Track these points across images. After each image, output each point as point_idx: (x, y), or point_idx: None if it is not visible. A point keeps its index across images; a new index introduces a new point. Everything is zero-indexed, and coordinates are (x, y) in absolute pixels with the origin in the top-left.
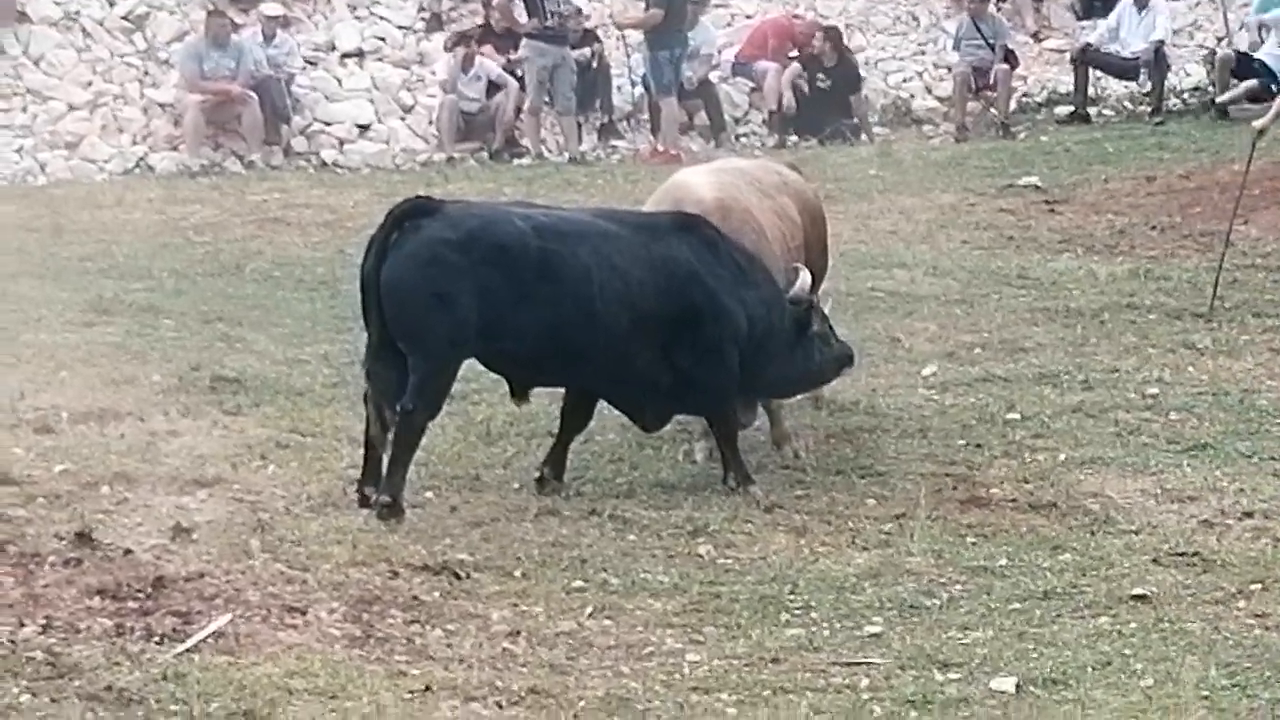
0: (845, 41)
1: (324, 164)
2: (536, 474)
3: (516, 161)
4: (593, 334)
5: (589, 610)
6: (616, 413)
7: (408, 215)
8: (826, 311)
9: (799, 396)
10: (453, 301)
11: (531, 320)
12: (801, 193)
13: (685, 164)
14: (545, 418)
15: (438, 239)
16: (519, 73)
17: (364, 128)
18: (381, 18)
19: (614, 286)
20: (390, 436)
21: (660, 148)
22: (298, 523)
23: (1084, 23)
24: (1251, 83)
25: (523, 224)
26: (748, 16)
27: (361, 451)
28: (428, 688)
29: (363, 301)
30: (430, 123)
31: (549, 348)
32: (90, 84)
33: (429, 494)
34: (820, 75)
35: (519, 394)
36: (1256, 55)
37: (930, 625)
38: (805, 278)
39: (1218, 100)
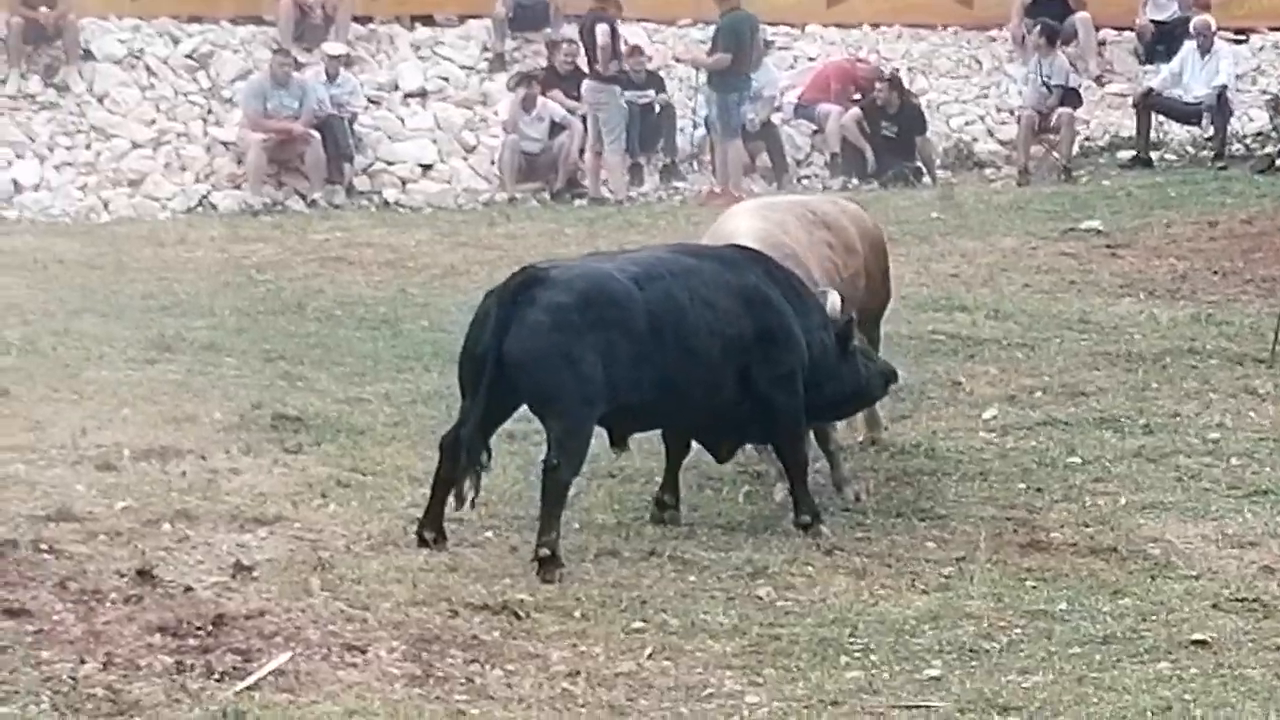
0: (908, 85)
1: (386, 203)
2: (654, 500)
3: (578, 202)
4: (694, 371)
5: (648, 651)
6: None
7: (520, 288)
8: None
9: (853, 435)
10: (581, 362)
11: (648, 369)
12: (860, 220)
13: None
14: (605, 458)
15: (555, 304)
16: (582, 113)
17: (426, 167)
18: (445, 58)
19: (706, 319)
20: (539, 495)
21: (721, 189)
22: (358, 561)
23: (1147, 67)
24: None
25: (622, 276)
26: (810, 59)
27: (423, 491)
28: None
29: (469, 373)
30: (492, 163)
31: (662, 393)
32: (154, 122)
33: (489, 534)
34: (885, 123)
35: (619, 442)
36: None
37: (990, 669)
38: (835, 298)
39: (1278, 163)
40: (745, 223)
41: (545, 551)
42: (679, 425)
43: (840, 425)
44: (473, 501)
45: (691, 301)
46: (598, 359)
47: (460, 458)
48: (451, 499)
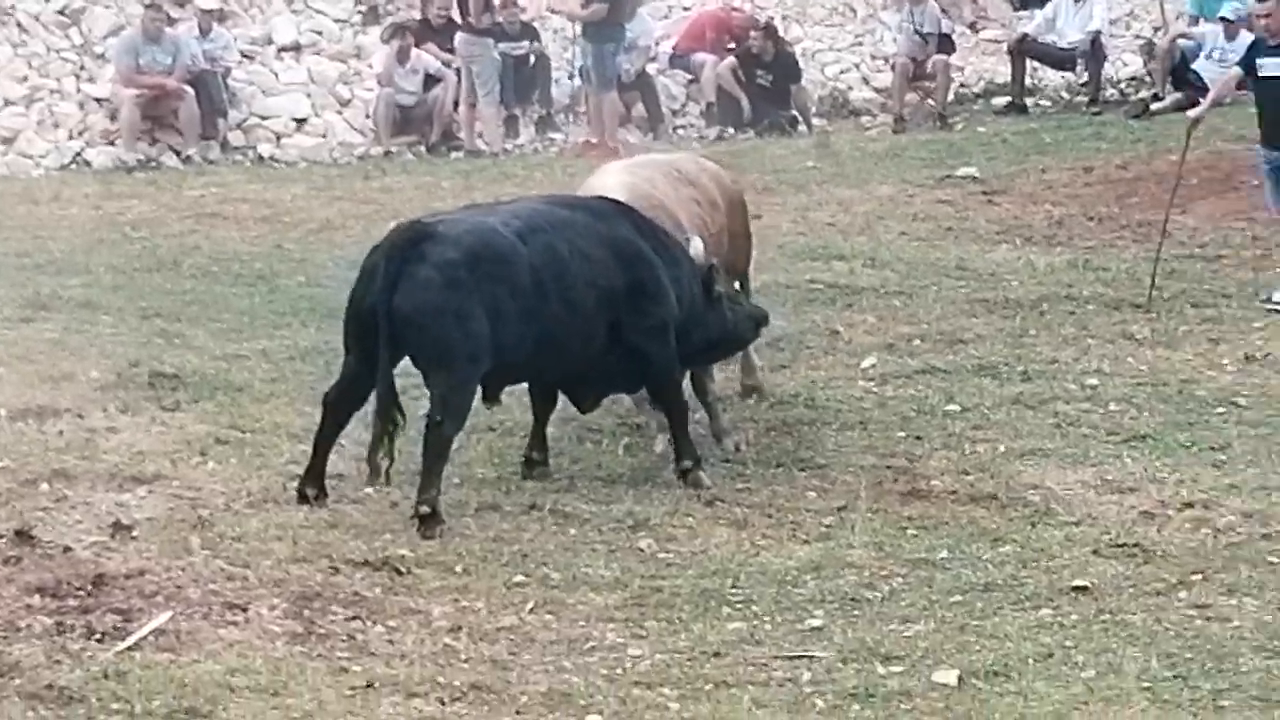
0: (782, 33)
1: (261, 158)
2: (523, 458)
3: (454, 155)
4: (572, 324)
5: (530, 605)
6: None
7: (408, 244)
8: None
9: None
10: (470, 318)
11: (531, 324)
12: (720, 178)
13: (623, 156)
14: (484, 413)
15: (445, 260)
16: (456, 65)
17: (301, 121)
18: (318, 11)
19: (583, 272)
20: (421, 451)
21: (597, 140)
22: (238, 519)
23: (1021, 13)
24: (1178, 96)
25: (507, 231)
26: (685, 9)
27: (302, 448)
28: (369, 684)
29: (356, 329)
30: (367, 116)
31: (542, 347)
32: (25, 79)
33: (369, 490)
34: (760, 71)
35: (492, 397)
36: (1193, 66)
37: (872, 618)
38: (698, 243)
39: (1152, 108)
40: (614, 179)
41: (425, 509)
42: (554, 378)
43: (717, 376)
44: (387, 473)
45: (570, 254)
46: (485, 316)
47: (339, 414)
48: (370, 469)
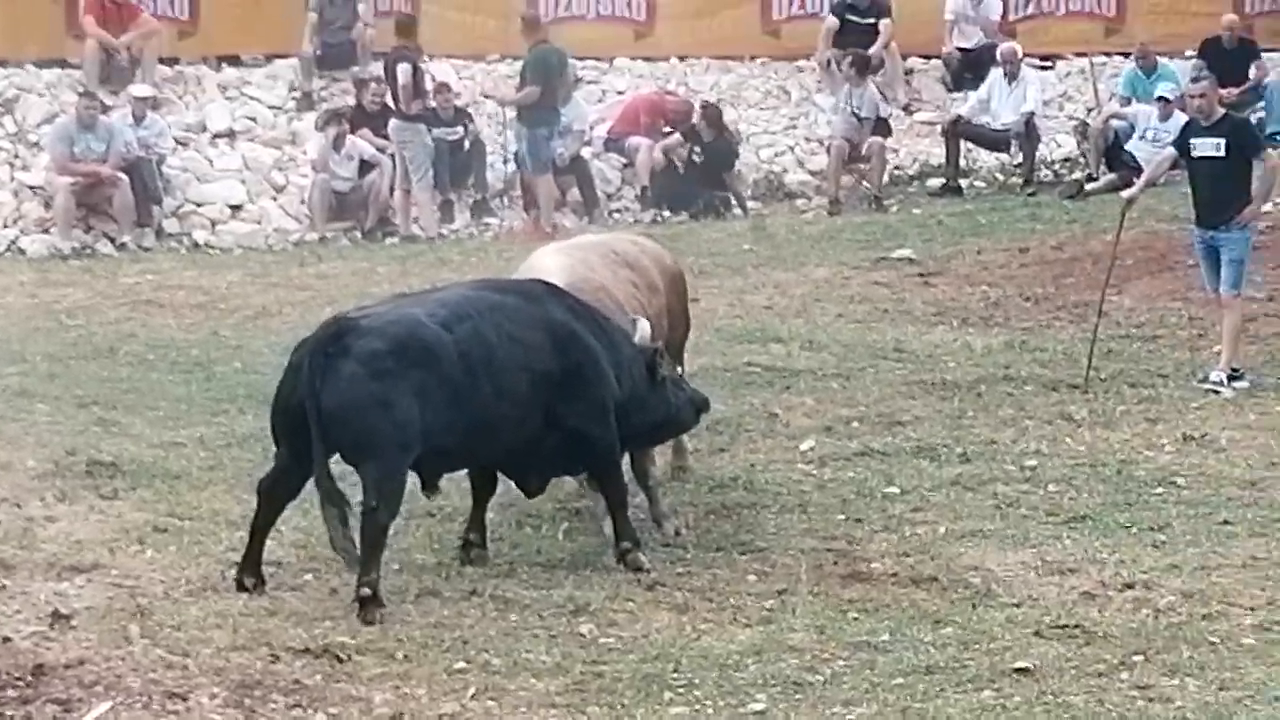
0: (722, 117)
1: (196, 245)
2: (461, 541)
3: (389, 240)
4: (504, 408)
5: (471, 692)
6: (494, 493)
7: (332, 338)
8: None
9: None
10: (396, 408)
11: (461, 410)
12: (660, 259)
13: (558, 240)
14: (421, 499)
15: (369, 352)
16: (391, 151)
17: (236, 208)
18: (252, 98)
19: (515, 356)
20: (359, 538)
21: (533, 224)
22: (177, 607)
23: (955, 95)
24: (1112, 177)
25: (432, 321)
26: (619, 92)
27: (240, 535)
28: None
29: (283, 424)
30: (302, 202)
31: (475, 432)
32: None
33: (308, 576)
34: (696, 150)
35: (430, 484)
36: (1126, 147)
37: (814, 702)
38: (644, 325)
39: (1086, 189)
40: (552, 261)
41: (366, 591)
42: (490, 463)
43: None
44: (350, 552)
45: (500, 339)
46: (413, 404)
47: (274, 503)
48: (344, 557)
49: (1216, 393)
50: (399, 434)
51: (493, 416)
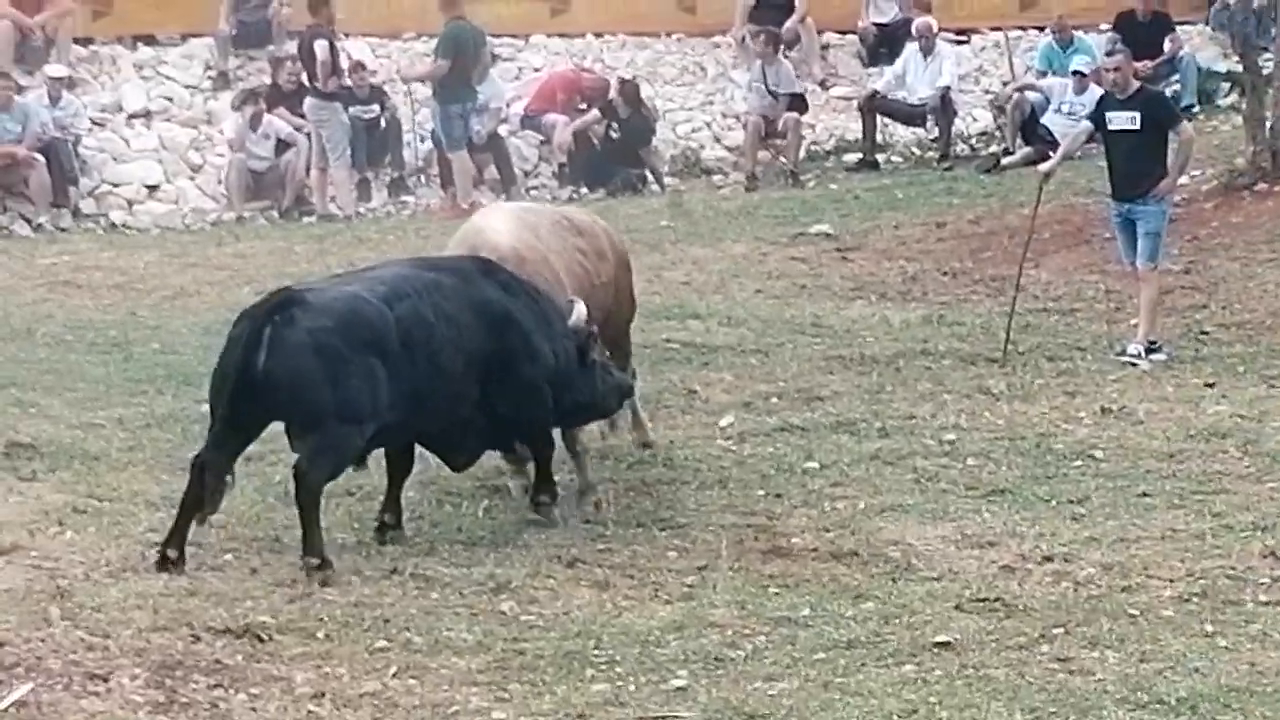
0: (640, 93)
1: (113, 225)
2: (376, 522)
3: (306, 219)
4: (440, 385)
5: (393, 670)
6: (414, 471)
7: (277, 309)
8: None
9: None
10: (343, 384)
11: (400, 387)
12: (609, 232)
13: None
14: (343, 477)
15: (316, 326)
16: (307, 130)
17: (153, 188)
18: (168, 78)
19: (450, 335)
20: (296, 505)
21: (452, 202)
22: (97, 589)
23: (870, 70)
24: (1028, 150)
25: (374, 298)
26: (535, 70)
27: (160, 516)
28: None
29: (221, 394)
30: (219, 182)
31: (412, 410)
32: None
33: (229, 556)
34: (612, 125)
35: (359, 460)
36: (1042, 121)
37: (735, 677)
38: (581, 309)
39: (1003, 163)
40: (500, 223)
41: (314, 560)
42: (422, 440)
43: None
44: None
45: (436, 318)
46: (358, 379)
47: (207, 479)
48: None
49: (1134, 365)
50: (343, 407)
51: (430, 394)
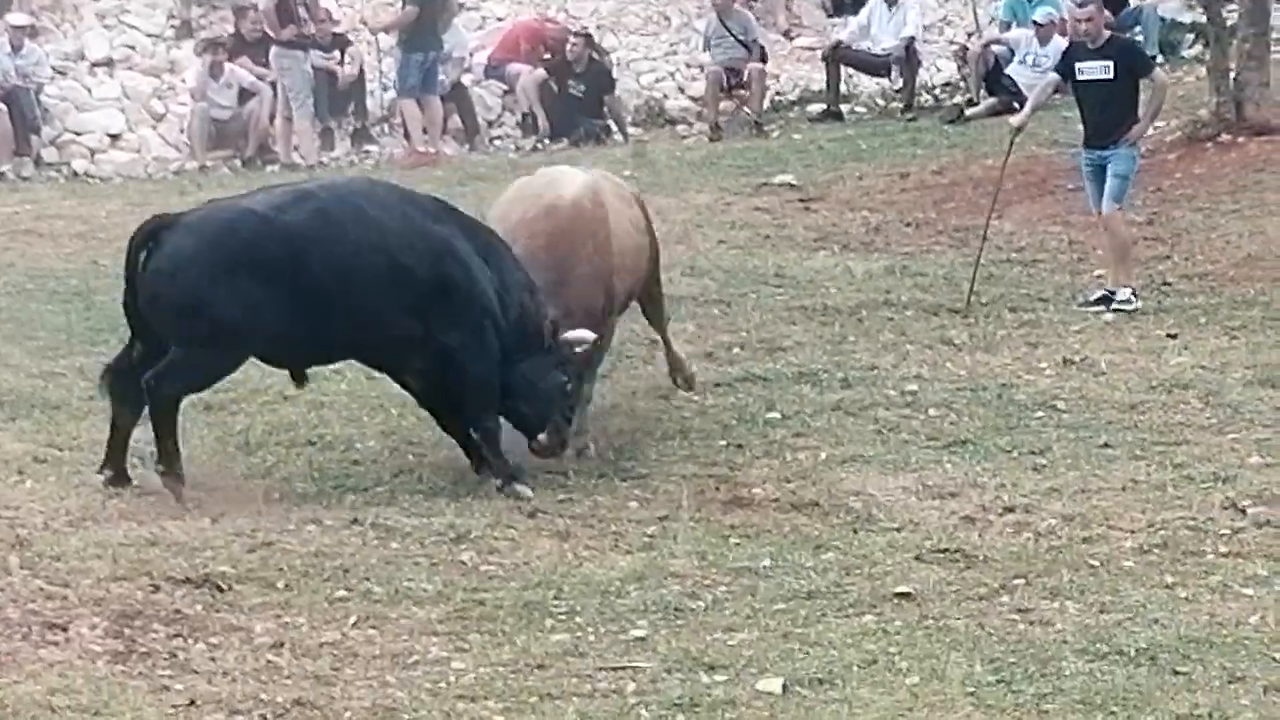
0: (598, 43)
1: (75, 174)
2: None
3: (269, 169)
4: (354, 295)
5: (353, 620)
6: (375, 421)
7: (149, 234)
8: None
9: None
10: (202, 304)
11: (293, 299)
12: (646, 209)
13: (441, 167)
14: (304, 426)
15: (177, 249)
16: (271, 79)
17: (115, 137)
18: (131, 26)
19: (370, 239)
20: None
21: (416, 151)
22: (56, 538)
23: (835, 20)
24: (992, 101)
25: (261, 208)
26: (499, 19)
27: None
28: (191, 702)
29: (129, 313)
30: (182, 131)
31: (316, 322)
32: None
33: (189, 504)
34: (572, 81)
35: (298, 377)
36: (1006, 71)
37: (695, 627)
38: (587, 335)
39: (966, 113)
40: (575, 172)
41: (160, 468)
42: (359, 359)
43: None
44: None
45: (356, 223)
46: (223, 299)
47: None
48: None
49: (1129, 311)
50: (203, 328)
51: (338, 303)
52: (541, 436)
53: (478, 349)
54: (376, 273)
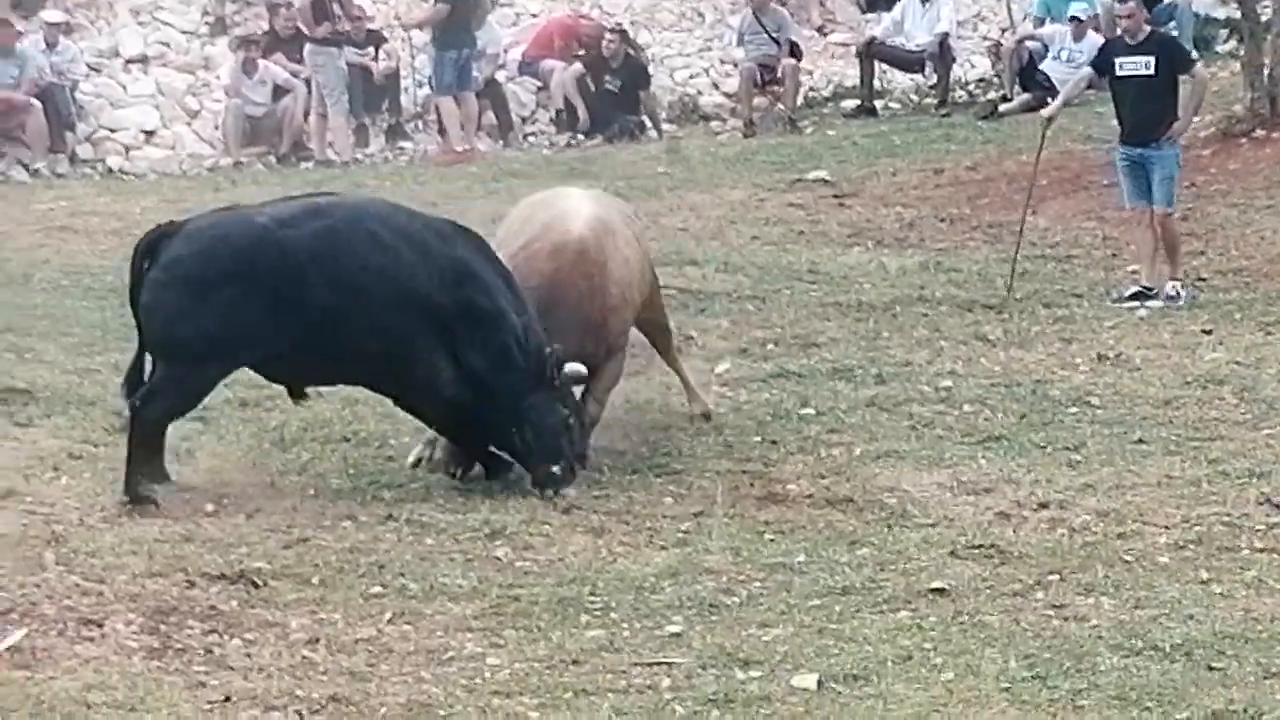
0: (633, 39)
1: (110, 171)
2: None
3: (304, 165)
4: (358, 317)
5: (388, 616)
6: (410, 417)
7: (150, 244)
8: None
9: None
10: (194, 317)
11: (292, 314)
12: (642, 236)
13: (475, 163)
14: (339, 423)
15: (173, 258)
16: (305, 76)
17: (150, 134)
18: (165, 23)
19: (380, 263)
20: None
21: (452, 148)
22: (92, 534)
23: (869, 16)
24: (1026, 97)
25: (263, 220)
26: (533, 15)
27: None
28: (227, 698)
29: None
30: (216, 128)
31: (317, 340)
32: None
33: (224, 501)
34: (608, 76)
35: (296, 394)
36: (1040, 67)
37: (730, 623)
38: (579, 369)
39: (1000, 109)
40: (581, 197)
41: (124, 498)
42: (356, 378)
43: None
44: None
45: (366, 245)
46: (216, 312)
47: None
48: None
49: (1180, 307)
50: (193, 343)
51: (341, 324)
52: (554, 469)
53: (506, 370)
54: (385, 296)
